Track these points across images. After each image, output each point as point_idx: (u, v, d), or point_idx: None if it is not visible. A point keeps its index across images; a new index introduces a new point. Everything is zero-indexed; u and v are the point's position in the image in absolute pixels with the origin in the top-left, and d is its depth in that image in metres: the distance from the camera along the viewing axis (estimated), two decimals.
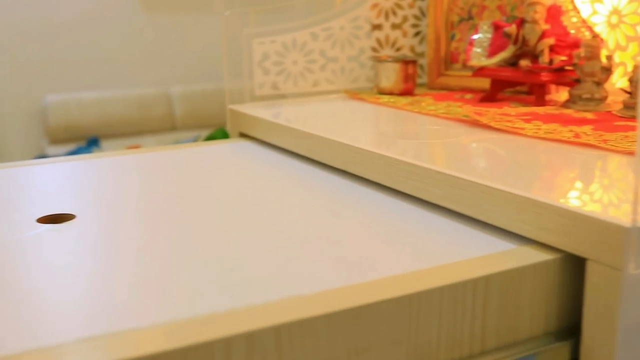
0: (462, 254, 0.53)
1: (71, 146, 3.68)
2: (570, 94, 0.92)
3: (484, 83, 1.09)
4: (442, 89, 1.17)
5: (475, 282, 0.48)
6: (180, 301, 0.46)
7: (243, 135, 1.02)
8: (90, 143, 3.73)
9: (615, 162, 0.66)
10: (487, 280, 0.49)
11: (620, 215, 0.48)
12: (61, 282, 0.49)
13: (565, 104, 0.93)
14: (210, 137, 2.26)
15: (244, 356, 0.40)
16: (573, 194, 0.56)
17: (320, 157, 0.80)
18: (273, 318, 0.42)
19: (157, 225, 0.62)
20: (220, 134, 2.29)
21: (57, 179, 0.80)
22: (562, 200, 0.52)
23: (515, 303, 0.50)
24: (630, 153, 0.67)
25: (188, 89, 4.06)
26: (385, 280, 0.48)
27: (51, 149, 3.66)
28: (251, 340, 0.41)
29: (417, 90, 1.15)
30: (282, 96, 1.13)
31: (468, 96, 1.08)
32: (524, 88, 1.07)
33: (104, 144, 3.75)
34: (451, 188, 0.60)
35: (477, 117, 0.84)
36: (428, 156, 0.70)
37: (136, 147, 3.07)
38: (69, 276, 0.51)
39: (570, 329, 0.53)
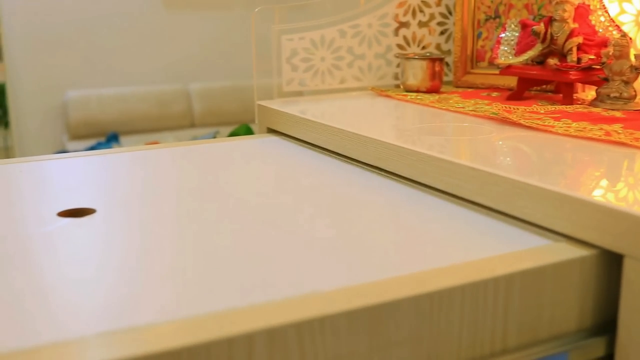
0: (496, 250, 0.53)
1: (91, 142, 3.70)
2: (598, 93, 0.92)
3: (510, 81, 1.09)
4: (468, 87, 1.17)
5: (508, 277, 0.48)
6: (202, 296, 0.46)
7: (271, 131, 1.03)
8: (109, 139, 3.75)
9: None
10: (522, 275, 0.49)
11: None
12: (84, 276, 0.50)
13: (593, 103, 0.93)
14: (234, 134, 2.26)
15: (266, 351, 0.41)
16: (609, 190, 0.56)
17: (351, 153, 0.80)
18: (295, 314, 0.42)
19: (181, 220, 0.63)
20: (244, 130, 2.30)
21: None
22: (599, 197, 0.52)
23: (550, 299, 0.51)
24: None
25: (207, 86, 4.07)
26: (407, 278, 0.48)
27: (71, 145, 3.68)
28: (273, 336, 0.41)
29: (443, 88, 1.16)
30: (310, 93, 1.13)
31: (495, 94, 1.08)
32: (550, 86, 1.07)
33: (123, 140, 3.78)
34: (485, 184, 0.61)
35: (507, 115, 0.84)
36: (459, 152, 0.71)
37: (155, 143, 3.09)
38: (91, 269, 0.51)
39: (605, 325, 0.53)
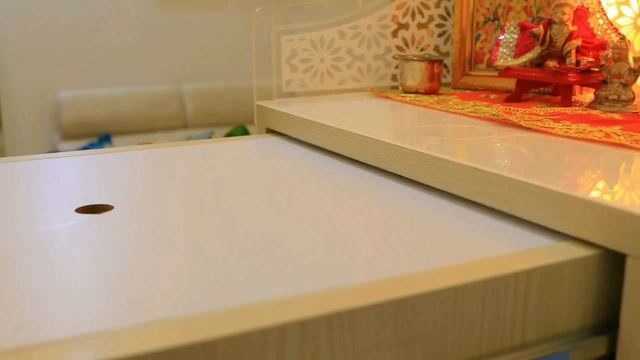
0: (500, 250, 0.54)
1: (83, 142, 3.69)
2: (597, 95, 0.93)
3: (508, 83, 1.09)
4: (466, 88, 1.18)
5: (516, 275, 0.49)
6: (232, 289, 0.47)
7: (270, 132, 1.03)
8: (101, 139, 3.74)
9: None
10: (528, 274, 0.49)
11: None
12: (109, 271, 0.51)
13: (591, 105, 0.93)
14: (230, 134, 2.27)
15: (298, 343, 0.42)
16: (611, 191, 0.56)
17: (352, 154, 0.81)
18: (325, 306, 0.43)
19: (198, 217, 0.63)
20: (240, 131, 2.30)
21: (90, 171, 0.82)
22: (602, 197, 0.52)
23: (555, 298, 0.51)
24: None
25: (200, 86, 4.07)
26: (432, 272, 0.49)
27: (63, 145, 3.67)
28: (304, 328, 0.42)
29: (442, 90, 1.16)
30: (309, 93, 1.14)
31: (493, 96, 1.09)
32: (548, 89, 1.08)
33: (116, 140, 3.77)
34: (488, 184, 0.61)
35: (507, 116, 0.84)
36: (461, 153, 0.71)
37: (147, 143, 3.08)
38: (115, 264, 0.52)
39: (607, 324, 0.54)
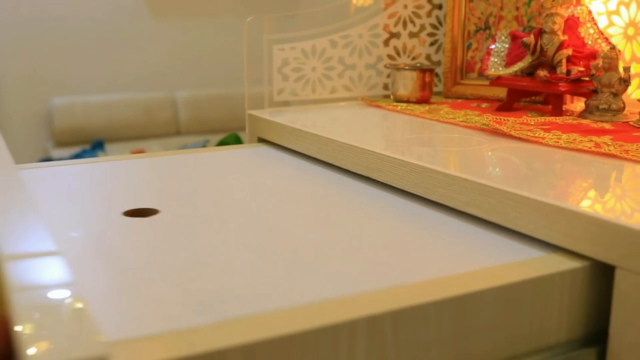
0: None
1: (76, 149, 3.68)
2: (587, 105, 0.93)
3: (499, 92, 1.10)
4: (458, 97, 1.18)
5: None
6: (301, 286, 0.49)
7: (261, 141, 1.03)
8: (95, 146, 3.73)
9: (638, 172, 0.67)
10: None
11: None
12: (175, 269, 0.53)
13: (582, 114, 0.94)
14: (223, 142, 2.26)
15: (366, 338, 0.44)
16: (600, 202, 0.57)
17: (344, 164, 0.81)
18: (390, 303, 0.45)
19: (236, 222, 0.65)
20: (233, 139, 2.30)
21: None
22: (590, 208, 0.52)
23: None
24: None
25: (193, 93, 4.06)
26: (484, 272, 0.51)
27: (56, 152, 3.66)
28: (373, 324, 0.44)
29: (433, 99, 1.16)
30: (300, 102, 1.14)
31: (484, 105, 1.09)
32: (539, 98, 1.08)
33: (109, 147, 3.76)
34: (478, 195, 0.61)
35: (497, 126, 0.85)
36: (451, 163, 0.71)
37: (140, 151, 3.08)
38: (178, 264, 0.54)
39: (596, 336, 0.54)
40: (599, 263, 0.51)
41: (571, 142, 0.77)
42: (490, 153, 0.76)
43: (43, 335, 0.34)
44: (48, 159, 3.35)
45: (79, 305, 0.37)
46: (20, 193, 0.58)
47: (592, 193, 0.61)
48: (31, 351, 0.33)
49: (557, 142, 0.77)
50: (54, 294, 0.39)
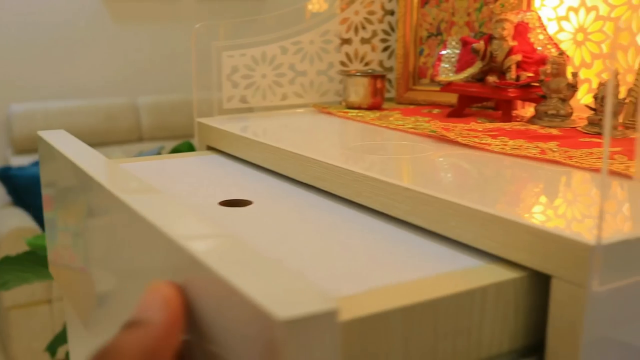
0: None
1: (36, 156, 3.63)
2: (536, 110, 0.93)
3: (452, 98, 1.09)
4: (410, 103, 1.17)
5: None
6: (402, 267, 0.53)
7: (211, 149, 1.01)
8: None
9: (580, 179, 0.66)
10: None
11: (585, 232, 0.48)
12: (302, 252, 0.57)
13: (531, 120, 0.94)
14: (175, 150, 2.24)
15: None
16: (538, 210, 0.56)
17: (289, 172, 0.80)
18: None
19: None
20: (186, 146, 2.28)
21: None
22: (526, 217, 0.52)
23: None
24: (595, 170, 0.67)
25: (155, 99, 4.03)
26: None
27: (15, 159, 3.60)
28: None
29: (385, 105, 1.16)
30: (251, 109, 1.13)
31: (436, 111, 1.09)
32: (490, 103, 1.08)
33: None
34: (418, 204, 0.60)
35: (445, 133, 0.84)
36: (396, 172, 0.71)
37: None
38: (306, 246, 0.59)
39: (535, 347, 0.53)
40: (536, 272, 0.51)
41: (517, 149, 0.76)
42: (435, 160, 0.75)
43: (272, 293, 0.35)
44: (7, 168, 3.30)
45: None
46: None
47: (531, 201, 0.60)
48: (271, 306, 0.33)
49: (503, 148, 0.77)
50: (263, 261, 0.40)
